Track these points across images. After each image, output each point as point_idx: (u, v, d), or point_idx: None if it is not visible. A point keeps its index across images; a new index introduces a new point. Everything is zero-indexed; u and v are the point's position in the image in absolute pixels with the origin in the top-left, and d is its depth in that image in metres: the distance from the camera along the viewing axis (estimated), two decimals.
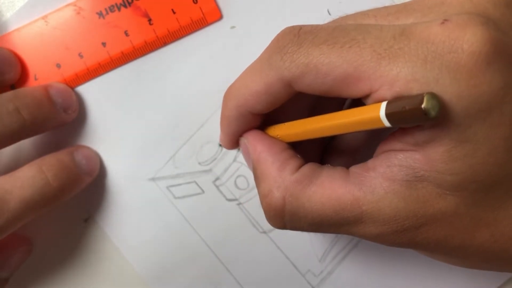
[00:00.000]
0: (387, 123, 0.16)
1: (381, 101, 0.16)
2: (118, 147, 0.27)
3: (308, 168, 0.20)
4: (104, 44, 0.26)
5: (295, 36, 0.18)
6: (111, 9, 0.26)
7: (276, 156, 0.21)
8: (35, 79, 0.26)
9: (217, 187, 0.28)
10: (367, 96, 0.17)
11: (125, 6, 0.26)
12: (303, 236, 0.28)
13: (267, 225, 0.28)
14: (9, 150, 0.27)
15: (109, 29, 0.26)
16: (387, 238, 0.19)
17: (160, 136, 0.27)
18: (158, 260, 0.28)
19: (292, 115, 0.22)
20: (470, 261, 0.20)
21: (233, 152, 0.27)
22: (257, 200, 0.28)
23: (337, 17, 0.21)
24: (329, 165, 0.20)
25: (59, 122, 0.26)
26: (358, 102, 0.19)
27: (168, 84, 0.27)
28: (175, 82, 0.27)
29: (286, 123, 0.22)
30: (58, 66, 0.26)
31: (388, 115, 0.16)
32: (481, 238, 0.18)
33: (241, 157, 0.27)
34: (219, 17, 0.26)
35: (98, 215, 0.28)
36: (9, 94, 0.24)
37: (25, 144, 0.27)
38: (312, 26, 0.19)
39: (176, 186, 0.28)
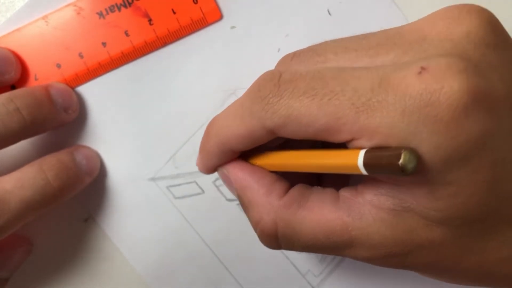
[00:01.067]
0: (364, 171, 0.16)
1: (361, 148, 0.17)
2: (118, 147, 0.27)
3: (296, 191, 0.20)
4: (104, 44, 0.26)
5: (275, 86, 0.18)
6: (111, 9, 0.26)
7: (260, 182, 0.21)
8: (35, 79, 0.26)
9: (217, 187, 0.28)
10: (348, 141, 0.18)
11: (125, 6, 0.26)
12: None
13: None
14: (9, 150, 0.27)
15: (109, 29, 0.26)
16: (377, 262, 0.19)
17: (160, 136, 0.27)
18: (158, 260, 0.28)
19: (270, 143, 0.22)
20: (460, 281, 0.20)
21: None
22: None
23: (321, 41, 0.21)
24: (318, 187, 0.21)
25: (60, 122, 0.26)
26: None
27: (168, 84, 0.27)
28: (175, 82, 0.27)
29: (264, 154, 0.22)
30: (58, 66, 0.26)
31: (365, 164, 0.16)
32: (468, 264, 0.18)
33: None
34: (219, 17, 0.26)
35: (98, 215, 0.28)
36: (10, 94, 0.24)
37: (25, 144, 0.27)
38: (291, 74, 0.19)
39: (176, 186, 0.28)
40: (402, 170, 0.15)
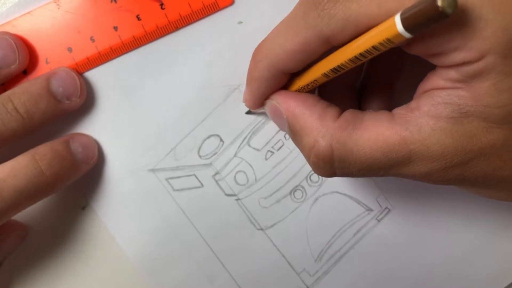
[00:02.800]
0: (406, 34, 0.16)
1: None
2: (120, 136, 0.27)
3: (349, 114, 0.20)
4: (116, 28, 0.26)
5: None
6: None
7: (312, 108, 0.21)
8: (47, 62, 0.26)
9: (216, 181, 0.28)
10: None
11: None
12: (300, 235, 0.28)
13: (264, 222, 0.28)
14: None
15: (121, 13, 0.26)
16: (436, 176, 0.19)
17: (162, 127, 0.27)
18: (153, 251, 0.28)
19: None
20: None
21: (234, 147, 0.28)
22: (255, 197, 0.28)
23: None
24: (370, 110, 0.21)
25: (62, 111, 0.26)
26: None
27: (173, 75, 0.27)
28: (181, 74, 0.27)
29: (304, 72, 0.22)
30: (70, 50, 0.26)
31: (404, 23, 0.15)
32: None
33: (241, 153, 0.27)
34: (231, 2, 0.26)
35: (96, 204, 0.28)
36: (9, 93, 0.24)
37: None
38: None
39: (176, 178, 0.28)
40: (443, 12, 0.14)
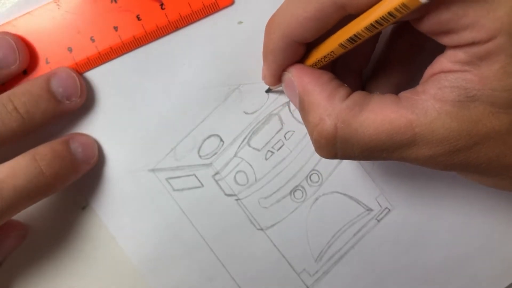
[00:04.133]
0: None
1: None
2: (120, 136, 0.27)
3: (357, 95, 0.20)
4: (116, 28, 0.26)
5: None
6: None
7: (324, 86, 0.21)
8: (47, 62, 0.26)
9: (216, 181, 0.28)
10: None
11: None
12: (300, 235, 0.28)
13: (264, 222, 0.28)
14: None
15: (121, 13, 0.26)
16: (439, 160, 0.19)
17: (162, 127, 0.27)
18: (153, 251, 0.28)
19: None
20: None
21: (234, 147, 0.28)
22: (255, 197, 0.28)
23: None
24: (377, 93, 0.21)
25: (63, 111, 0.26)
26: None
27: (173, 75, 0.27)
28: (181, 74, 0.27)
29: (321, 44, 0.22)
30: (70, 50, 0.26)
31: None
32: None
33: (241, 153, 0.27)
34: (231, 2, 0.27)
35: (96, 204, 0.28)
36: (9, 93, 0.24)
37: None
38: None
39: (176, 178, 0.28)
40: None
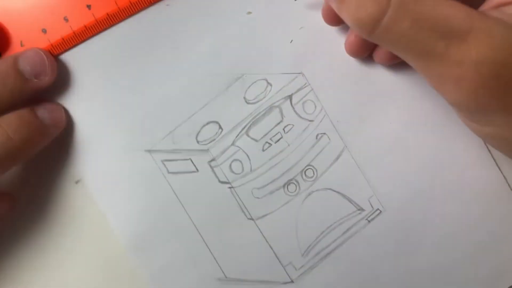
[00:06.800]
0: None
1: None
2: (119, 116, 0.27)
3: None
4: (89, 6, 0.26)
5: None
6: None
7: None
8: (21, 45, 0.26)
9: (212, 168, 0.28)
10: None
11: None
12: (290, 228, 0.28)
13: (255, 212, 0.28)
14: None
15: None
16: (483, 72, 0.18)
17: (162, 109, 0.27)
18: (141, 231, 0.28)
19: None
20: None
21: (233, 135, 0.28)
22: (249, 186, 0.28)
23: None
24: None
25: (31, 90, 0.26)
26: None
27: (177, 59, 0.27)
28: (185, 59, 0.27)
29: None
30: (44, 31, 0.26)
31: None
32: None
33: (239, 142, 0.28)
34: None
35: (90, 179, 0.28)
36: None
37: None
38: None
39: (171, 161, 0.28)
40: None
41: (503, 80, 0.18)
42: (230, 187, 0.28)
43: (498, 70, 0.18)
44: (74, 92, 0.27)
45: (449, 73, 0.19)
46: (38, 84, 0.26)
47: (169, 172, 0.28)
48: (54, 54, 0.26)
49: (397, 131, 0.28)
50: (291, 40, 0.27)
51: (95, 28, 0.26)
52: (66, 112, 0.27)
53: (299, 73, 0.27)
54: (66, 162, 0.27)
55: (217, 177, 0.28)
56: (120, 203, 0.28)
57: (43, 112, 0.26)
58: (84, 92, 0.27)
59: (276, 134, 0.28)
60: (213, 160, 0.28)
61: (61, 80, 0.27)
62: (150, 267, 0.28)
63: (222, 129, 0.28)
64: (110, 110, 0.27)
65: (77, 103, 0.27)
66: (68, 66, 0.27)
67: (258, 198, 0.28)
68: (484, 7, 0.20)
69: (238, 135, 0.28)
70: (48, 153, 0.27)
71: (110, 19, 0.26)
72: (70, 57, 0.27)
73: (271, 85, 0.27)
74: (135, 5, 0.26)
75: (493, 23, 0.18)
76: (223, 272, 0.28)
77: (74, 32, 0.26)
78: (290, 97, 0.28)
